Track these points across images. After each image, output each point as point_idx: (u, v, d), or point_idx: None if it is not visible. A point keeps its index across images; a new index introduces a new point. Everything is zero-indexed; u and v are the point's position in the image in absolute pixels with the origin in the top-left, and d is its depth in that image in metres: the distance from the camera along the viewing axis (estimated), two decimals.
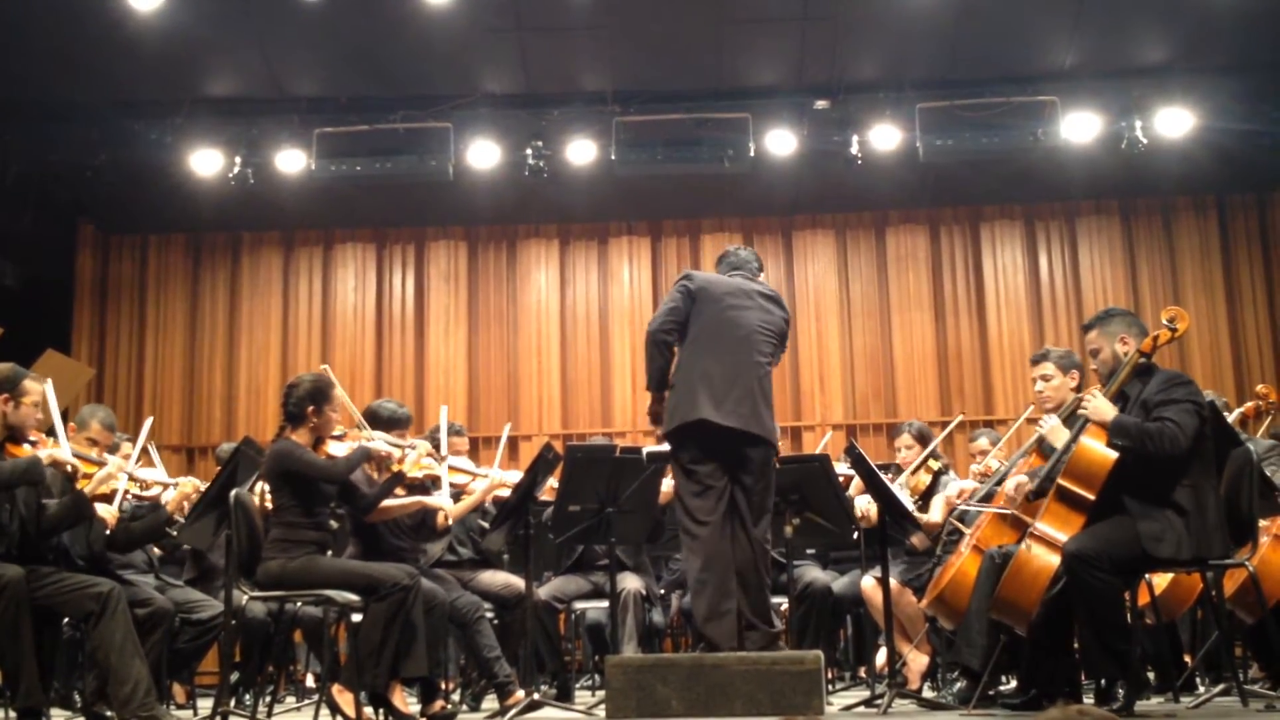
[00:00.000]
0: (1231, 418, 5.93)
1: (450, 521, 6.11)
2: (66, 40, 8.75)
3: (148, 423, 6.32)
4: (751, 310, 5.28)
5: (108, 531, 5.37)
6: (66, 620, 5.31)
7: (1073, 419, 5.10)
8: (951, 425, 6.97)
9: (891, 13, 8.91)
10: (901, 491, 6.16)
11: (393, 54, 9.29)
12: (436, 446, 6.07)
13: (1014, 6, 8.96)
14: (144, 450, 6.08)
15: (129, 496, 5.51)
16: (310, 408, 5.33)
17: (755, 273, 5.51)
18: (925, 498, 6.37)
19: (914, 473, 6.42)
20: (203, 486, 5.76)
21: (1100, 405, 4.70)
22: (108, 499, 5.29)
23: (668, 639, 8.51)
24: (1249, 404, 6.67)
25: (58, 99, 9.50)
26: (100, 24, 8.57)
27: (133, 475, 5.48)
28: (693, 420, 5.06)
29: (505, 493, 6.17)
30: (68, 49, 8.85)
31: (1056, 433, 5.08)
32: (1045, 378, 5.54)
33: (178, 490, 5.70)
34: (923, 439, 6.66)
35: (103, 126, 9.82)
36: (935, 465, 6.50)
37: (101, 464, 5.21)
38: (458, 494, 6.09)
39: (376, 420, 6.08)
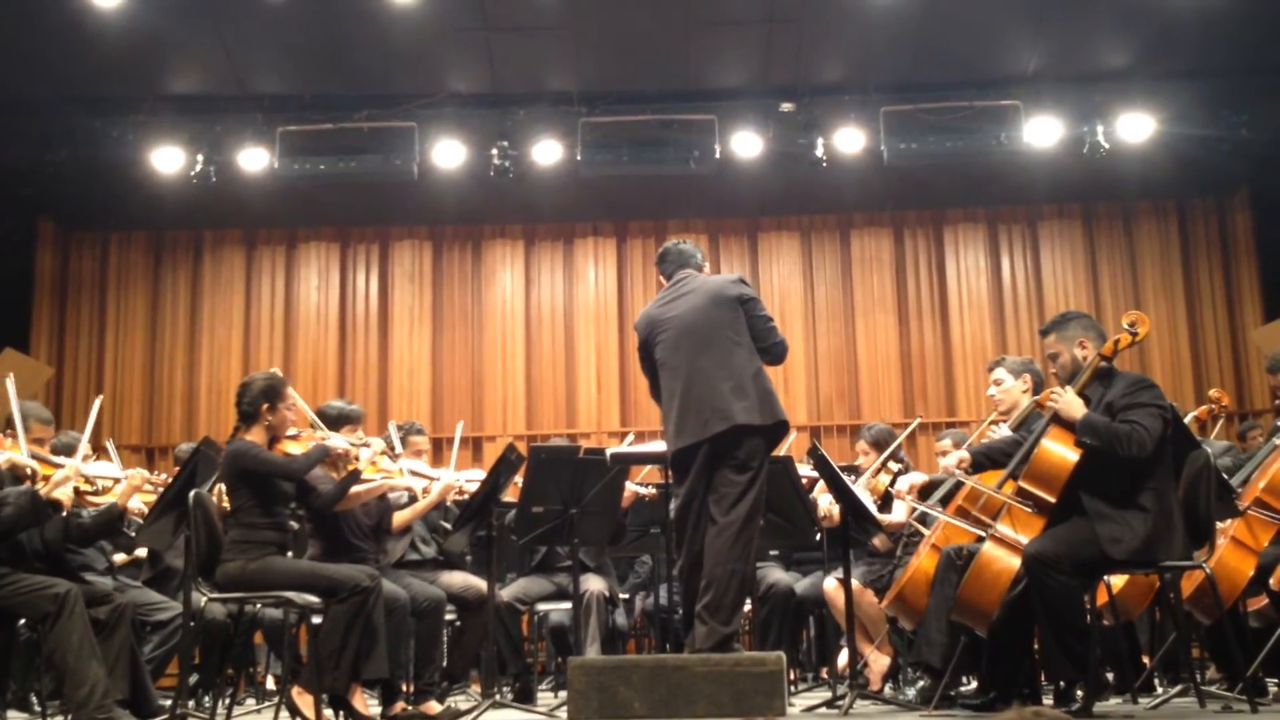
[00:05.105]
0: (1185, 420, 5.98)
1: (402, 524, 6.09)
2: (27, 36, 8.65)
3: (97, 401, 6.14)
4: (681, 301, 5.13)
5: (64, 514, 5.29)
6: (23, 621, 5.25)
7: (1029, 422, 5.14)
8: (909, 429, 6.96)
9: (856, 16, 8.95)
10: (862, 493, 6.18)
11: (357, 52, 9.24)
12: (391, 449, 6.04)
13: (977, 11, 9.01)
14: (101, 445, 6.00)
15: (86, 499, 5.43)
16: (264, 405, 5.31)
17: (700, 265, 5.37)
18: (885, 500, 6.40)
19: (874, 475, 6.44)
20: (151, 476, 5.68)
21: (1070, 401, 4.69)
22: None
23: (631, 641, 8.51)
24: (1202, 408, 6.73)
25: (18, 95, 9.39)
26: (61, 19, 8.48)
27: (87, 477, 5.40)
28: (670, 451, 5.06)
29: (466, 495, 6.15)
30: (28, 44, 8.75)
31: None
32: (997, 382, 5.69)
33: (127, 483, 5.60)
34: (878, 445, 6.68)
35: (64, 123, 9.73)
36: (895, 467, 6.52)
37: (58, 465, 5.16)
38: (412, 498, 6.08)
39: (325, 420, 6.05)
